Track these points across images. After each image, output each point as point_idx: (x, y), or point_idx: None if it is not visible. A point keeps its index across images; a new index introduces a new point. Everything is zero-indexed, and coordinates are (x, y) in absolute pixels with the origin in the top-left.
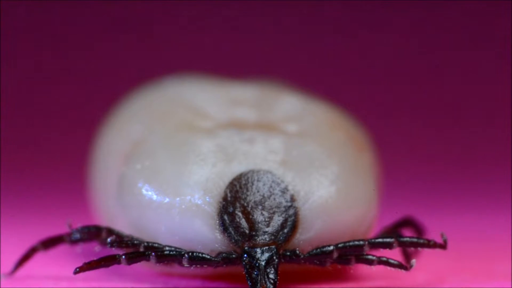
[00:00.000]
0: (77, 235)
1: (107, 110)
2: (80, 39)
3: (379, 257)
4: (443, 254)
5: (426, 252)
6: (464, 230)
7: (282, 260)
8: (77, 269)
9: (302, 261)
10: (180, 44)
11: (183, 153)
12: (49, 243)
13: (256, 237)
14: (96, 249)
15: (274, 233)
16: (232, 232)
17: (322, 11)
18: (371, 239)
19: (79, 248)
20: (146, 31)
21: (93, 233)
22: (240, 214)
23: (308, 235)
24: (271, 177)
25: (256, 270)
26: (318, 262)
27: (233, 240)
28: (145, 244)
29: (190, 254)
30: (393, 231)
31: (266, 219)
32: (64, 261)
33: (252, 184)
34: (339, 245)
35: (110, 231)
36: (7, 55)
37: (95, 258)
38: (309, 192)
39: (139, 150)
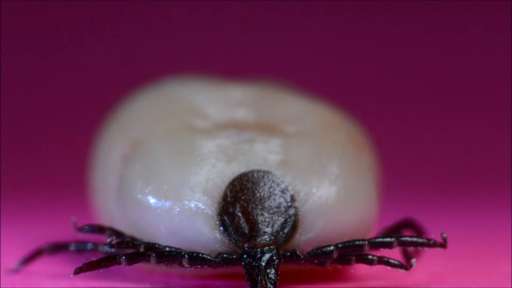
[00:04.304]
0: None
1: (107, 110)
2: (79, 40)
3: (379, 257)
4: (443, 254)
5: (426, 252)
6: (464, 230)
7: (282, 261)
8: (77, 270)
9: (302, 261)
10: (180, 44)
11: (183, 153)
12: (58, 248)
13: (257, 238)
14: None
15: (274, 234)
16: (232, 232)
17: (322, 11)
18: (371, 239)
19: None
20: (145, 31)
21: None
22: (240, 214)
23: (308, 236)
24: (271, 177)
25: (256, 270)
26: (318, 262)
27: (233, 241)
28: (145, 244)
29: (190, 254)
30: (393, 231)
31: (266, 220)
32: (64, 261)
33: (252, 184)
34: (339, 245)
35: (113, 231)
36: (7, 55)
37: (95, 259)
38: (309, 192)
39: (139, 150)
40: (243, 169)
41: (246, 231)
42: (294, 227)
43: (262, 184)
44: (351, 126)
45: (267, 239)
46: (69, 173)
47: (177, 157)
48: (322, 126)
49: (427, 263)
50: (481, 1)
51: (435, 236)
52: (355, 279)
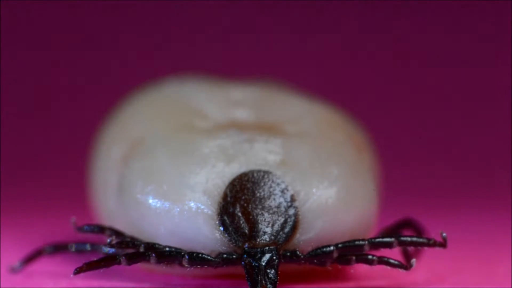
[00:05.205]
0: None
1: (107, 110)
2: (79, 40)
3: (379, 257)
4: (443, 254)
5: (426, 252)
6: (464, 230)
7: (282, 261)
8: (77, 269)
9: (302, 261)
10: (180, 44)
11: (183, 153)
12: (58, 249)
13: (257, 238)
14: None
15: (274, 234)
16: (232, 232)
17: (322, 11)
18: (371, 238)
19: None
20: (146, 32)
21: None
22: (240, 214)
23: (308, 235)
24: (271, 177)
25: (256, 270)
26: (318, 262)
27: (233, 241)
28: (145, 244)
29: (190, 254)
30: (393, 231)
31: (266, 220)
32: (64, 260)
33: (252, 184)
34: (339, 245)
35: (113, 231)
36: (7, 55)
37: (95, 258)
38: (309, 192)
39: (139, 150)
40: (243, 169)
41: (246, 231)
42: (294, 227)
43: (262, 184)
44: (351, 126)
45: (267, 239)
46: (69, 173)
47: (177, 157)
48: (322, 126)
49: (427, 263)
50: (482, 1)
51: (435, 236)
52: (355, 279)
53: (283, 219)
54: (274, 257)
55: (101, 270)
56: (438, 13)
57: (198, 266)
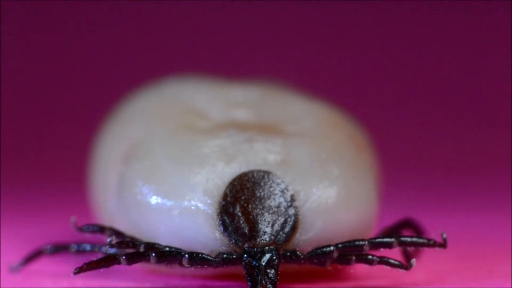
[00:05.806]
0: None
1: (107, 110)
2: (79, 39)
3: (379, 257)
4: (443, 254)
5: (426, 252)
6: (464, 230)
7: (282, 260)
8: (77, 269)
9: (302, 261)
10: (180, 44)
11: (183, 153)
12: (58, 249)
13: (256, 238)
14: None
15: (274, 234)
16: (232, 232)
17: (322, 11)
18: (371, 238)
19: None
20: (146, 31)
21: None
22: (240, 214)
23: (308, 235)
24: (271, 177)
25: (256, 270)
26: (318, 262)
27: (233, 241)
28: (145, 244)
29: (190, 254)
30: (393, 231)
31: (266, 220)
32: (64, 260)
33: (252, 184)
34: (339, 245)
35: (113, 231)
36: (7, 55)
37: (95, 258)
38: (309, 192)
39: (139, 150)
40: (243, 169)
41: (246, 231)
42: (294, 227)
43: (262, 184)
44: (351, 126)
45: (267, 239)
46: (69, 173)
47: (177, 157)
48: (322, 126)
49: (427, 263)
50: (482, 1)
51: (435, 236)
52: (355, 279)
53: (283, 219)
54: (274, 257)
55: (101, 270)
56: (438, 13)
57: (198, 266)
